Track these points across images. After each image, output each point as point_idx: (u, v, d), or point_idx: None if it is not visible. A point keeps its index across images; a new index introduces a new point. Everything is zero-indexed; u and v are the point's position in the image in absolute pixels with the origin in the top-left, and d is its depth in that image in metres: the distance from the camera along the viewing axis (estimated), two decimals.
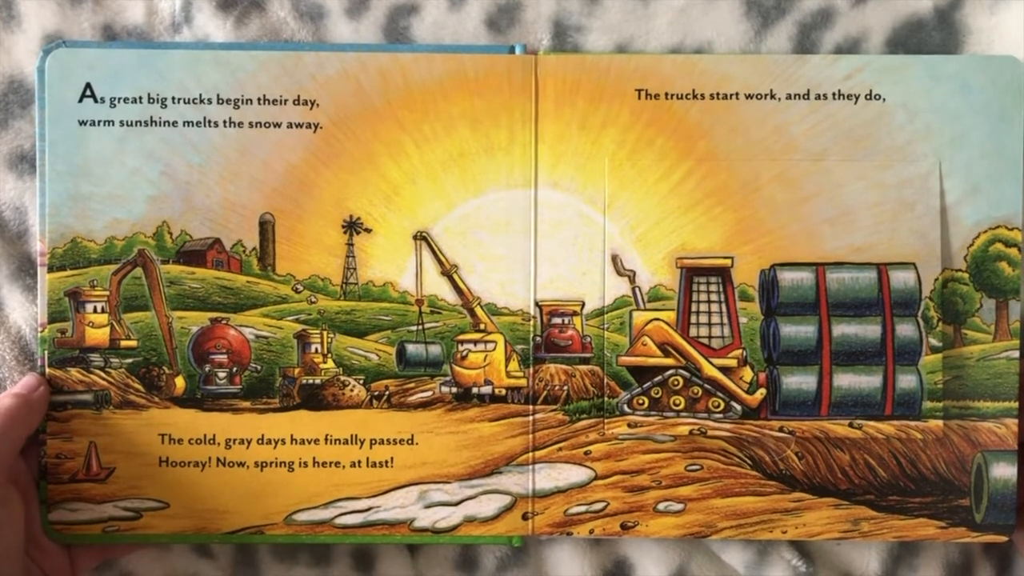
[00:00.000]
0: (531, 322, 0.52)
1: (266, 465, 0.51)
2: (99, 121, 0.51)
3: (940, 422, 0.51)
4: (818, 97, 0.51)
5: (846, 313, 0.51)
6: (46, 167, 0.50)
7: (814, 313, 0.51)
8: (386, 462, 0.51)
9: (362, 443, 0.51)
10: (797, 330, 0.51)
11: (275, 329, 0.52)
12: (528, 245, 0.51)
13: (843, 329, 0.51)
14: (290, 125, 0.51)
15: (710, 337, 0.52)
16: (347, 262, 0.51)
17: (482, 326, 0.52)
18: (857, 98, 0.51)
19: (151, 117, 0.51)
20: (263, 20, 0.52)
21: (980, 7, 0.53)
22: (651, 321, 0.51)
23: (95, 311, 0.51)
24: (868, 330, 0.51)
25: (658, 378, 0.51)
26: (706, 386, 0.51)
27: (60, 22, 0.52)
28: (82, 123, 0.50)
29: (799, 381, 0.51)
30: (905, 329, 0.51)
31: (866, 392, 0.51)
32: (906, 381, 0.51)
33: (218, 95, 0.51)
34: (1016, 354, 0.51)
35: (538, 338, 0.52)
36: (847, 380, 0.51)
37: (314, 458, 0.51)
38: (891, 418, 0.51)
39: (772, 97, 0.51)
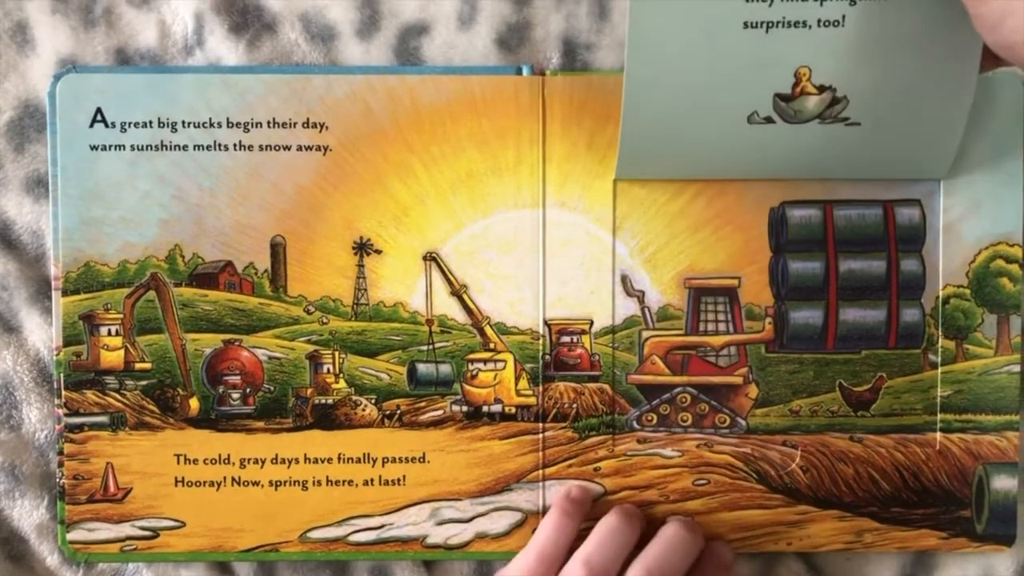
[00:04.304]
0: (540, 341, 0.52)
1: (280, 484, 0.52)
2: (110, 146, 0.51)
3: (942, 435, 0.52)
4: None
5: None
6: (58, 192, 0.51)
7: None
8: (398, 480, 0.52)
9: (374, 462, 0.52)
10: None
11: (287, 350, 0.52)
12: (537, 264, 0.52)
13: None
14: (299, 148, 0.51)
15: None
16: (358, 283, 0.52)
17: (492, 345, 0.52)
18: None
19: (161, 141, 0.51)
20: (274, 43, 0.53)
21: None
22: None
23: (109, 334, 0.52)
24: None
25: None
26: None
27: (74, 46, 0.52)
28: (93, 148, 0.51)
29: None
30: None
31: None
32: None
33: (228, 119, 0.51)
34: (1017, 368, 0.52)
35: (547, 356, 0.52)
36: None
37: (327, 477, 0.52)
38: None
39: None
